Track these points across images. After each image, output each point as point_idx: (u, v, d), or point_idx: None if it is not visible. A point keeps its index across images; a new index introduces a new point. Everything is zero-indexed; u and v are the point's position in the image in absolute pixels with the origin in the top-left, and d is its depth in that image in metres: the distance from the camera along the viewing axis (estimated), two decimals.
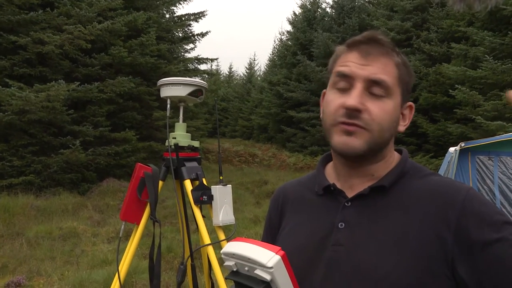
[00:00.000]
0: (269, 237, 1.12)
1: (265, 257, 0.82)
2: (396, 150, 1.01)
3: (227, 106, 32.19)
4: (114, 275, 4.66)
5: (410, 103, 0.98)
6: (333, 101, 0.92)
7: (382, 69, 0.89)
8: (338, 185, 0.99)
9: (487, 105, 10.05)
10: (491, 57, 10.10)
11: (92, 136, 9.65)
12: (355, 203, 0.93)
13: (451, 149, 7.03)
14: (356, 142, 0.89)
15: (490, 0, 0.94)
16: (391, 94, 0.90)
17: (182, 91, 2.06)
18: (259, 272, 0.82)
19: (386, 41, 0.94)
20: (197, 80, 2.09)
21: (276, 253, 0.82)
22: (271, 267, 0.80)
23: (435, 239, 0.83)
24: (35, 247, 5.61)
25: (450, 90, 10.84)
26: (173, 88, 2.06)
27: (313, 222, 0.98)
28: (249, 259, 0.84)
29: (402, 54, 0.96)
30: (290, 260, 0.90)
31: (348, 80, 0.91)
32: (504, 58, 10.34)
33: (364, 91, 0.89)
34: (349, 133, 0.89)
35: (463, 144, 6.50)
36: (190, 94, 2.08)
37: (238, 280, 0.87)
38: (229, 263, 0.88)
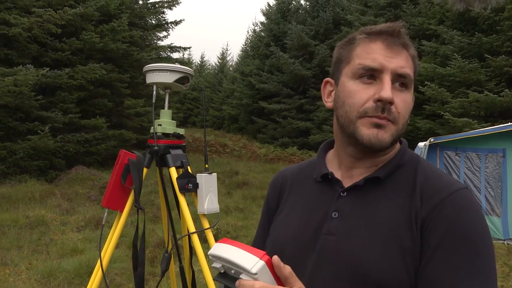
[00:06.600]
0: (266, 221, 1.12)
1: (250, 262, 0.81)
2: None
3: (198, 95, 31.99)
4: (86, 264, 4.57)
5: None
6: (359, 93, 0.90)
7: (406, 62, 0.90)
8: (338, 174, 0.99)
9: (454, 102, 10.35)
10: (459, 56, 10.40)
11: (61, 122, 9.40)
12: (351, 193, 0.93)
13: (421, 144, 7.21)
14: (385, 135, 0.88)
15: (490, 0, 0.95)
16: (410, 87, 0.92)
17: (168, 78, 2.03)
18: (244, 277, 0.82)
19: (405, 33, 0.93)
20: (184, 67, 2.06)
21: (261, 258, 0.81)
22: (255, 273, 0.80)
23: (409, 233, 0.83)
24: (0, 236, 5.44)
25: (420, 87, 11.10)
26: (160, 74, 2.02)
27: (308, 209, 0.98)
28: (234, 263, 0.83)
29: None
30: (283, 249, 0.91)
31: (374, 72, 0.89)
32: (471, 57, 10.66)
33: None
34: (379, 126, 0.88)
35: (432, 140, 6.68)
36: (176, 81, 2.05)
37: (226, 284, 0.86)
38: (216, 265, 0.88)
